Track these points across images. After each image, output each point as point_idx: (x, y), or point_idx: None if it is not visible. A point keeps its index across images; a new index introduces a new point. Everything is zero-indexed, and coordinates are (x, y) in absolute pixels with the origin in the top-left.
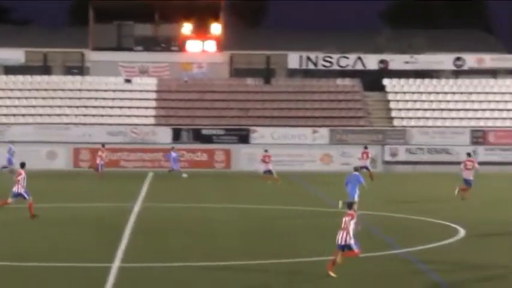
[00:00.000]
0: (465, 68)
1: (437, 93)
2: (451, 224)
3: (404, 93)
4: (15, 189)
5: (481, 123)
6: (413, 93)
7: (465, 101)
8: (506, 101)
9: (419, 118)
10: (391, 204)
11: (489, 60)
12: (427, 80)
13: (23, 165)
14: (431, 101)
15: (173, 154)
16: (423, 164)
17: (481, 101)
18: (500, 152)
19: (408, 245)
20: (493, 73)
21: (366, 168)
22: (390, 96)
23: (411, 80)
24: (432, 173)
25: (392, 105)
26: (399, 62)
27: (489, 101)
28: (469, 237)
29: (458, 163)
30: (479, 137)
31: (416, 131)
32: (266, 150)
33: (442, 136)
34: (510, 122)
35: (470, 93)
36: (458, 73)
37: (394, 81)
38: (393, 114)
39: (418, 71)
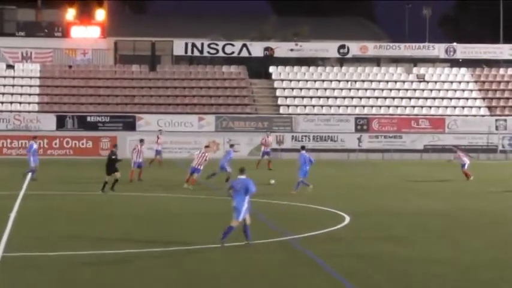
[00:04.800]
0: (349, 56)
1: (323, 80)
2: (337, 211)
3: (290, 80)
4: None
5: (365, 110)
6: (298, 80)
7: (349, 89)
8: (389, 89)
9: (304, 106)
10: (278, 191)
11: (372, 48)
12: (312, 68)
13: None
14: (317, 89)
15: None
16: (309, 151)
17: (365, 89)
18: (383, 139)
19: (295, 232)
20: (377, 61)
21: None
22: (276, 84)
23: (296, 68)
24: (317, 160)
25: (278, 92)
26: (285, 50)
27: (373, 89)
28: (354, 224)
29: (343, 150)
30: (363, 124)
31: (302, 119)
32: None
33: (327, 123)
34: (393, 110)
35: (355, 81)
36: (342, 61)
37: (280, 68)
38: (279, 101)
39: (304, 59)
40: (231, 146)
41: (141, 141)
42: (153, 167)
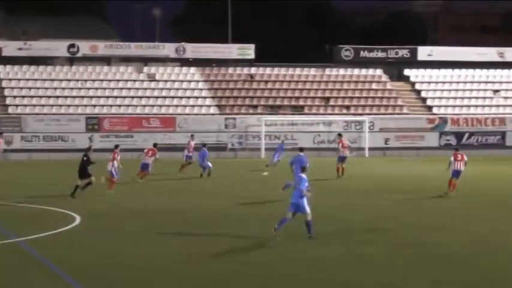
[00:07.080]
0: (79, 55)
1: (52, 80)
2: (67, 212)
3: (19, 80)
4: None
5: (96, 110)
6: (28, 80)
7: (80, 88)
8: (120, 88)
9: (34, 105)
10: (6, 193)
11: (103, 47)
12: (41, 67)
13: None
14: (46, 88)
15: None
16: (39, 151)
17: (95, 88)
18: (114, 139)
19: (22, 234)
20: (107, 60)
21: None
22: (4, 83)
23: (25, 67)
24: (48, 160)
25: (6, 92)
26: (13, 49)
27: (103, 88)
28: (84, 224)
29: (74, 150)
30: (94, 124)
31: (31, 119)
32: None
33: (57, 123)
34: (124, 109)
35: (85, 80)
36: (72, 60)
37: (8, 68)
38: (7, 101)
39: (33, 58)
40: (204, 145)
41: None
42: None
